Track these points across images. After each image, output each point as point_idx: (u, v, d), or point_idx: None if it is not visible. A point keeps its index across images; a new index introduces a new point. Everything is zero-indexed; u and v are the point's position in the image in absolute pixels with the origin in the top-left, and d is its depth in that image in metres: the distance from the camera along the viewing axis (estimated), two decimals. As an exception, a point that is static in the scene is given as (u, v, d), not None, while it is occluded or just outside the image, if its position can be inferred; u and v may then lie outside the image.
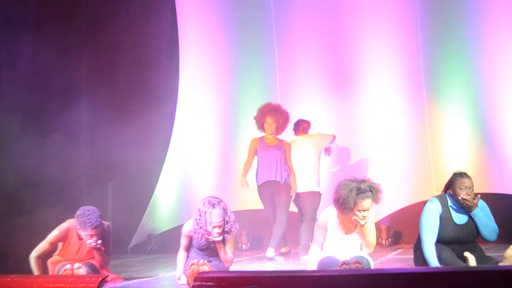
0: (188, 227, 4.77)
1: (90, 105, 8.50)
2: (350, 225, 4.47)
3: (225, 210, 4.65)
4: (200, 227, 4.63)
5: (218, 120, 8.74)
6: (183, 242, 4.79)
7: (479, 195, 4.61)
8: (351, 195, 4.31)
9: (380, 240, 7.97)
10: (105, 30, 8.64)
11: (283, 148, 6.98)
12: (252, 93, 8.59)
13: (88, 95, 8.51)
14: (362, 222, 4.34)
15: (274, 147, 6.97)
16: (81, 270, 4.50)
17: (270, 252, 6.75)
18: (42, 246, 4.76)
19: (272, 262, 6.55)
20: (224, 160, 8.58)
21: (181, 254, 4.80)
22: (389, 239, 8.02)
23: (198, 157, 8.65)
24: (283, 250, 7.21)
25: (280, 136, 7.09)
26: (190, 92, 8.78)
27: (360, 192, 4.32)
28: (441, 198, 4.64)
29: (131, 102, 8.41)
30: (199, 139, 8.71)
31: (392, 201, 7.91)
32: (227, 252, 4.69)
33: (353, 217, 4.35)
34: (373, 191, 4.37)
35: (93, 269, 4.75)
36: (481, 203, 4.63)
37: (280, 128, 7.02)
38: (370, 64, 8.32)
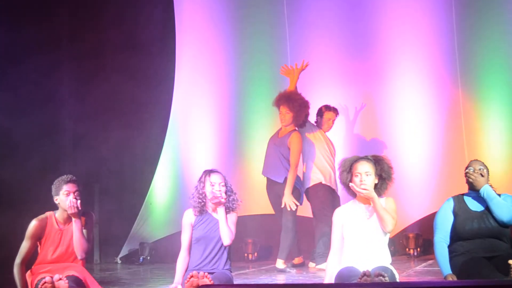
0: (188, 213, 4.93)
1: (74, 94, 8.49)
2: (366, 210, 4.58)
3: (224, 177, 4.93)
4: (198, 191, 4.88)
5: (220, 114, 8.76)
6: (185, 238, 4.89)
7: (485, 171, 4.84)
8: (347, 160, 4.69)
9: (407, 250, 8.00)
10: (90, 26, 8.63)
11: (286, 142, 6.95)
12: (261, 81, 8.59)
13: (72, 83, 8.49)
14: (358, 189, 4.51)
15: (279, 140, 7.01)
16: (62, 282, 4.50)
17: (280, 263, 6.78)
18: (23, 246, 4.86)
19: (283, 275, 6.54)
20: (226, 159, 8.58)
21: (181, 258, 4.88)
22: (418, 249, 8.01)
23: (197, 155, 8.65)
24: (295, 261, 7.21)
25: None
26: (188, 81, 8.79)
27: (356, 158, 4.67)
28: (456, 196, 4.98)
29: (123, 92, 8.40)
30: (198, 134, 8.73)
31: (422, 205, 7.95)
32: (229, 224, 4.83)
33: (350, 184, 4.55)
34: (375, 160, 4.62)
35: (76, 282, 4.72)
36: (504, 195, 4.87)
37: (297, 117, 6.97)
38: (395, 47, 8.31)
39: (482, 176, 4.85)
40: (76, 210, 4.84)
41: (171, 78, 8.75)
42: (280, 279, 6.21)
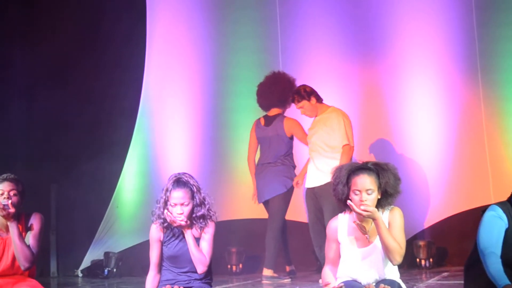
0: (156, 227, 4.76)
1: (31, 86, 8.56)
2: (366, 230, 4.36)
3: (194, 187, 4.70)
4: (159, 209, 4.70)
5: (197, 104, 8.77)
6: (153, 254, 4.76)
7: None
8: (343, 170, 4.38)
9: (418, 260, 7.99)
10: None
11: (279, 127, 7.40)
12: (245, 65, 8.62)
13: (24, 58, 8.54)
14: (358, 210, 4.22)
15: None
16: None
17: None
18: None
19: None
20: (204, 155, 8.61)
21: (151, 277, 4.77)
22: (430, 259, 7.99)
23: (170, 150, 8.65)
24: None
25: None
26: (160, 64, 8.80)
27: (355, 168, 4.35)
28: (504, 206, 4.48)
29: (86, 77, 8.51)
30: (172, 126, 8.73)
31: (435, 209, 8.00)
32: (200, 248, 4.65)
33: (348, 202, 4.26)
34: (377, 170, 4.31)
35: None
36: None
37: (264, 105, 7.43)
38: (404, 31, 8.40)
39: None
40: (4, 212, 4.72)
41: (140, 62, 8.73)
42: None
